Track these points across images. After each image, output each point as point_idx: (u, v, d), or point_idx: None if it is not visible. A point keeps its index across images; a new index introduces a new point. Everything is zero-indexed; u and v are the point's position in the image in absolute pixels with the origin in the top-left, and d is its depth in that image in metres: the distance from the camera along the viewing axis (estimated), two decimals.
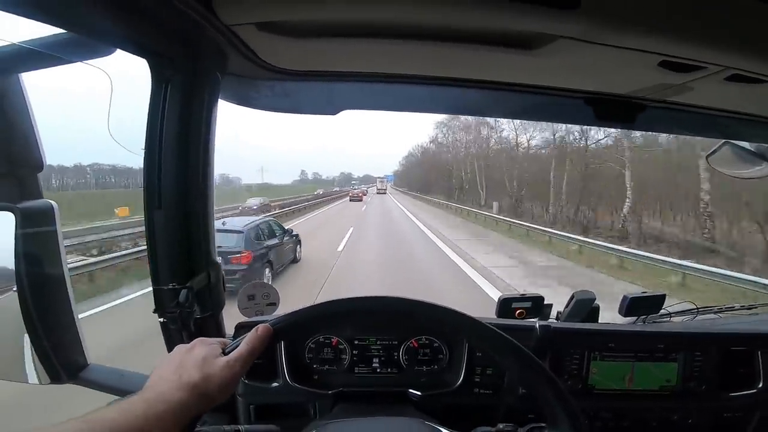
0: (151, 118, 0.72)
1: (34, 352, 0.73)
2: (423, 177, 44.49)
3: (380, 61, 0.77)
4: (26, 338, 0.74)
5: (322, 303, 0.60)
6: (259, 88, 0.85)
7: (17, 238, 0.67)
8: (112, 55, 0.67)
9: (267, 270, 6.44)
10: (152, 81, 0.72)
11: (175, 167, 0.74)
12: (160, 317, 0.77)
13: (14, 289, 0.73)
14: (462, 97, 0.88)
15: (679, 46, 0.59)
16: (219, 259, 0.83)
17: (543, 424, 0.58)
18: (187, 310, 0.75)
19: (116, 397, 0.87)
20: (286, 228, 8.08)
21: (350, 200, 32.08)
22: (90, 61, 0.68)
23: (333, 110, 0.94)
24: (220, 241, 5.36)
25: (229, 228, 6.23)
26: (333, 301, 0.60)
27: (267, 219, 8.08)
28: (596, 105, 0.85)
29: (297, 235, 8.27)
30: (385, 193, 49.33)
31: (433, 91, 0.85)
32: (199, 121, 0.74)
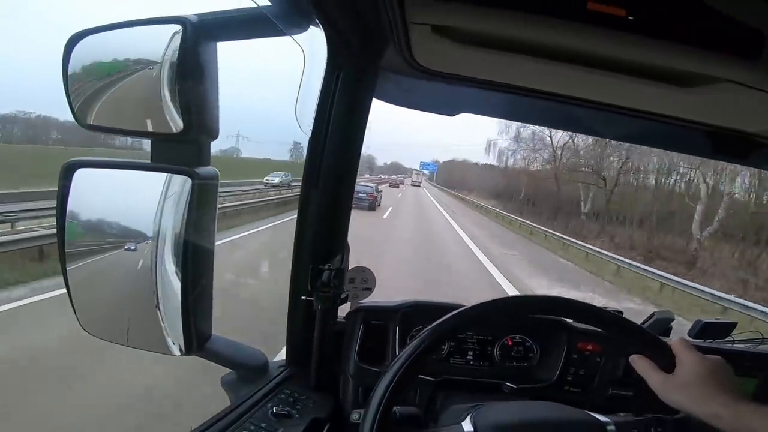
0: (321, 102, 0.76)
1: (178, 321, 0.72)
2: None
3: (517, 75, 0.80)
4: (161, 306, 0.73)
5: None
6: (390, 81, 0.88)
7: (191, 203, 0.68)
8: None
9: (376, 203, 16.39)
10: (327, 66, 0.75)
11: (335, 152, 0.78)
12: (307, 296, 0.79)
13: (125, 247, 0.71)
14: (587, 117, 0.92)
15: None
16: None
17: (664, 416, 0.65)
18: (335, 290, 0.78)
19: (229, 370, 0.87)
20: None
21: (389, 186, 39.01)
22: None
23: (452, 112, 1.00)
24: (363, 189, 15.85)
25: (368, 184, 18.40)
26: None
27: (375, 184, 21.43)
28: (724, 140, 0.87)
29: (381, 192, 18.99)
30: (419, 186, 49.40)
31: (557, 107, 0.89)
32: (361, 111, 0.79)
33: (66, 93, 0.58)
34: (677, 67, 0.62)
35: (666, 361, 0.64)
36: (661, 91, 0.71)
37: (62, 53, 0.56)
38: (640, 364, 0.66)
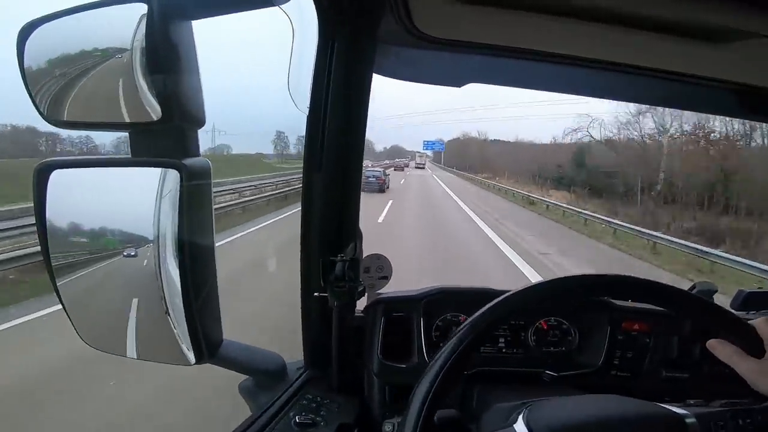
0: (316, 76, 0.70)
1: (186, 328, 0.67)
2: None
3: (529, 36, 0.73)
4: (172, 314, 0.69)
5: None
6: (390, 54, 0.82)
7: (182, 198, 0.62)
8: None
9: (385, 186, 19.39)
10: (319, 37, 0.69)
11: (338, 129, 0.71)
12: (321, 292, 0.73)
13: (124, 253, 0.67)
14: (610, 81, 0.84)
15: None
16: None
17: (738, 401, 0.58)
18: (351, 284, 0.71)
19: (245, 376, 0.83)
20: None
21: (394, 170, 39.46)
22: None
23: (458, 82, 0.92)
24: (373, 173, 19.22)
25: (376, 169, 21.82)
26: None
27: (383, 168, 24.56)
28: (760, 100, 0.80)
29: (389, 175, 22.16)
30: (423, 168, 50.39)
31: (575, 72, 0.81)
32: (361, 84, 0.72)
33: (26, 88, 0.53)
34: (706, 21, 0.55)
35: (752, 345, 0.54)
36: (689, 49, 0.65)
37: (16, 45, 0.51)
38: (722, 350, 0.56)
